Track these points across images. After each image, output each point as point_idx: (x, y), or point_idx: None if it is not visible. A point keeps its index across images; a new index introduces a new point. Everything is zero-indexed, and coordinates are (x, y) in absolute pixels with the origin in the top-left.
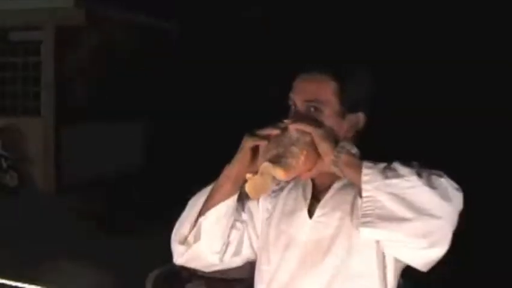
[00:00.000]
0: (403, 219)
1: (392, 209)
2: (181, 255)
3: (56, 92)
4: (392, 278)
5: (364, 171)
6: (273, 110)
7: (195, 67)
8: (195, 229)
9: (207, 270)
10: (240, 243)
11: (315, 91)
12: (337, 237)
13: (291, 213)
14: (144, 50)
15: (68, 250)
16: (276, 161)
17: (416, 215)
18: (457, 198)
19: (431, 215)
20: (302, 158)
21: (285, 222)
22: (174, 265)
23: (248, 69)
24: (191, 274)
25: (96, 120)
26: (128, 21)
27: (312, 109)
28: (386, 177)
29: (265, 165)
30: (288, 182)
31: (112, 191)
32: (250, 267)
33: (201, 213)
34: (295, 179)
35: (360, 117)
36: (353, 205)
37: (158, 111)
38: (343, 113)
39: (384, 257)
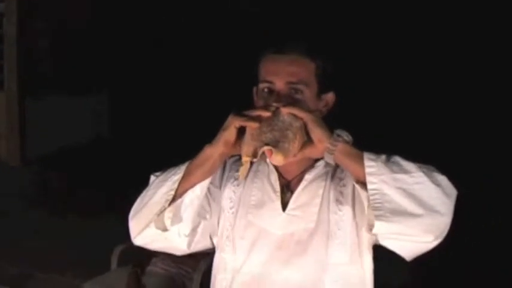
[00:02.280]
0: (414, 215)
1: (401, 203)
2: (144, 236)
3: (18, 64)
4: (369, 263)
5: (368, 162)
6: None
7: (163, 39)
8: (171, 211)
9: (165, 251)
10: (204, 230)
11: (297, 72)
12: (314, 230)
13: (261, 204)
14: (109, 20)
15: (31, 224)
16: (275, 145)
17: (426, 211)
18: (455, 195)
19: (438, 211)
20: (297, 143)
21: (253, 213)
22: None
23: (210, 39)
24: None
25: (60, 92)
26: None
27: (293, 91)
28: (393, 171)
29: (265, 149)
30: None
31: (76, 164)
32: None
33: (176, 194)
34: (253, 166)
35: (331, 97)
36: (323, 198)
37: (125, 83)
38: (319, 94)
39: (359, 244)
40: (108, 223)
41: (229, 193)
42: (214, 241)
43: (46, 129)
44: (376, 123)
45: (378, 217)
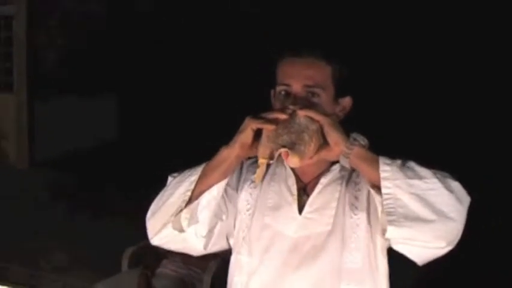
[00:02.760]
0: (426, 221)
1: (415, 209)
2: (161, 236)
3: (27, 67)
4: (384, 267)
5: (383, 167)
6: (246, 87)
7: (171, 42)
8: (188, 212)
9: (182, 252)
10: (221, 231)
11: (314, 76)
12: (330, 234)
13: (277, 207)
14: (117, 24)
15: (42, 226)
16: (291, 147)
17: (438, 217)
18: (468, 202)
19: (451, 218)
20: (312, 145)
21: (270, 216)
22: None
23: (224, 46)
24: (167, 250)
25: (69, 94)
26: None
27: (310, 94)
28: (407, 177)
29: (282, 151)
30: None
31: (86, 166)
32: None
33: (193, 195)
34: (270, 168)
35: (349, 101)
36: (339, 202)
37: (133, 85)
38: (336, 97)
39: (374, 248)
40: (118, 225)
41: (246, 195)
42: (231, 242)
43: (54, 132)
44: (383, 125)
45: (390, 222)
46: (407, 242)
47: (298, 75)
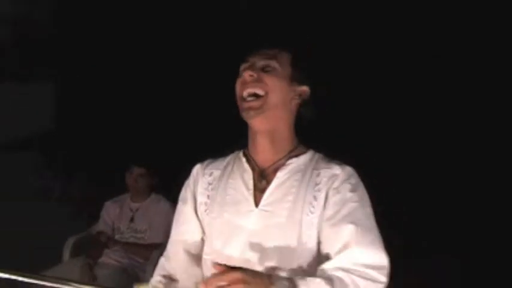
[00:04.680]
0: None
1: None
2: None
3: None
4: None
5: None
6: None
7: (108, 29)
8: None
9: None
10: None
11: (274, 55)
12: (286, 227)
13: (235, 202)
14: (57, 11)
15: None
16: None
17: None
18: None
19: None
20: None
21: (229, 211)
22: (91, 231)
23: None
24: (109, 239)
25: (6, 81)
26: None
27: (266, 66)
28: None
29: None
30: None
31: (24, 154)
32: (166, 233)
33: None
34: (228, 166)
35: (306, 90)
36: (297, 197)
37: (70, 73)
38: (291, 81)
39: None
40: (60, 214)
41: (202, 198)
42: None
43: None
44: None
45: None
46: None
47: (259, 53)
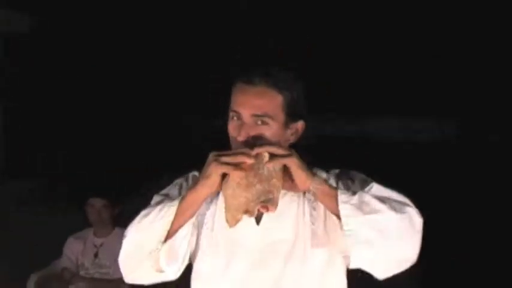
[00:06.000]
0: (385, 247)
1: (374, 240)
2: (136, 276)
3: None
4: (342, 271)
5: (342, 205)
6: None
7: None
8: (165, 252)
9: (148, 283)
10: (187, 254)
11: (263, 106)
12: (292, 242)
13: None
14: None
15: None
16: (268, 199)
17: (396, 242)
18: (421, 224)
19: (407, 242)
20: (280, 187)
21: (229, 229)
22: (55, 267)
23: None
24: (73, 275)
25: None
26: None
27: (260, 122)
28: (365, 213)
29: (262, 205)
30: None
31: None
32: None
33: (168, 235)
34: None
35: (300, 125)
36: (298, 211)
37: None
38: (287, 124)
39: (332, 254)
40: (23, 248)
41: (202, 209)
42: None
43: None
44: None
45: (352, 251)
46: (369, 265)
47: (247, 104)
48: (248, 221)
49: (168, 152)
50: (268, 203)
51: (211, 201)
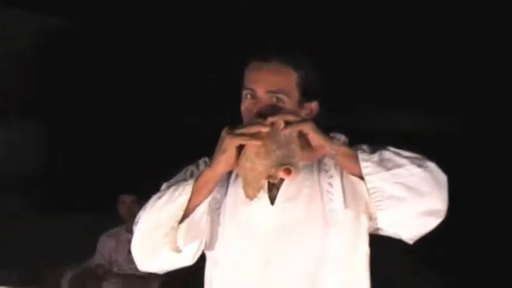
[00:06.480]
0: (413, 203)
1: (400, 195)
2: (151, 260)
3: None
4: (365, 250)
5: (363, 163)
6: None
7: (97, 67)
8: (182, 231)
9: (168, 270)
10: (205, 234)
11: (279, 82)
12: (307, 221)
13: (249, 202)
14: (45, 50)
15: None
16: (289, 163)
17: (423, 197)
18: (445, 179)
19: (433, 196)
20: (300, 153)
21: (243, 211)
22: (89, 264)
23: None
24: (106, 272)
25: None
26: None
27: (275, 99)
28: (387, 168)
29: (283, 169)
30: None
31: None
32: None
33: (184, 215)
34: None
35: (314, 106)
36: (312, 189)
37: (62, 112)
38: (301, 103)
39: (355, 232)
40: (56, 248)
41: (214, 195)
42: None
43: None
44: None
45: (380, 210)
46: (397, 223)
47: (262, 81)
48: (262, 202)
49: (188, 149)
50: (290, 166)
51: (222, 186)
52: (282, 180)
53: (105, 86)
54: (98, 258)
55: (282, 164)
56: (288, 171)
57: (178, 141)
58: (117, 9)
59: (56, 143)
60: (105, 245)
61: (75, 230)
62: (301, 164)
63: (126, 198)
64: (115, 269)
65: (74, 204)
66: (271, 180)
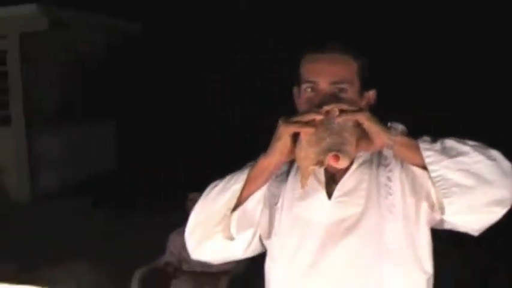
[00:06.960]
0: (479, 190)
1: (465, 183)
2: (204, 249)
3: (24, 100)
4: (427, 242)
5: (425, 152)
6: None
7: (163, 67)
8: (235, 219)
9: (219, 261)
10: (257, 234)
11: (340, 71)
12: (363, 215)
13: (305, 197)
14: (111, 52)
15: (49, 256)
16: (339, 150)
17: (489, 185)
18: (510, 167)
19: (499, 184)
20: (354, 142)
21: (299, 206)
22: (159, 262)
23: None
24: (176, 270)
25: (67, 125)
26: (94, 24)
27: (337, 90)
28: (451, 156)
29: (331, 155)
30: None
31: (88, 195)
32: (234, 260)
33: (238, 204)
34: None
35: (372, 94)
36: (370, 184)
37: (129, 112)
38: (361, 92)
39: (415, 225)
40: (126, 247)
41: (272, 189)
42: (265, 242)
43: (54, 164)
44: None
45: (446, 198)
46: (466, 211)
47: (324, 72)
48: (319, 197)
49: (256, 147)
50: (339, 152)
51: (281, 181)
52: (341, 175)
53: (175, 87)
54: (167, 256)
55: (331, 151)
56: (337, 158)
57: (247, 139)
58: (188, 13)
59: (125, 144)
60: (175, 242)
61: (145, 229)
62: (360, 159)
63: (195, 196)
64: (184, 267)
65: (143, 203)
66: (319, 167)
